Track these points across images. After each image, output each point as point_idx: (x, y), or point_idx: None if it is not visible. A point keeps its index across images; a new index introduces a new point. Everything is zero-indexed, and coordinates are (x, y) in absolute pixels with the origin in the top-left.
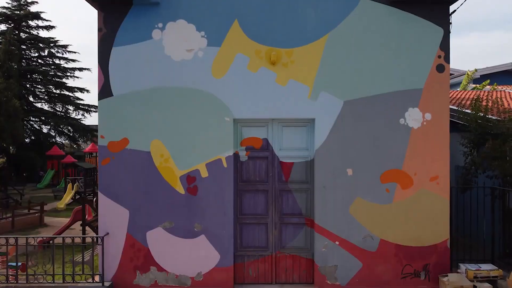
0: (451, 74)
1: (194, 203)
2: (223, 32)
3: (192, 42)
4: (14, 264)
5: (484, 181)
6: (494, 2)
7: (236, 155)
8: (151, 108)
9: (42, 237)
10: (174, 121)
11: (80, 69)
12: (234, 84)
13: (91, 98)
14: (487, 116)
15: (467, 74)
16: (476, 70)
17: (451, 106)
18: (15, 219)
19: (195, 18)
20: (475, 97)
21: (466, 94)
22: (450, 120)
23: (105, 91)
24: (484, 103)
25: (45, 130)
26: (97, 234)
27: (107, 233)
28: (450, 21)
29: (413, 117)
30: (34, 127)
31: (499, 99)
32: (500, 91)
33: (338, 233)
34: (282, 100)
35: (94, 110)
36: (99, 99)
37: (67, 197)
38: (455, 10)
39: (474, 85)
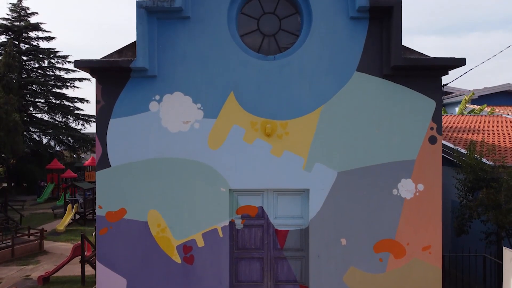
0: (450, 93)
1: (190, 272)
2: (219, 104)
3: (188, 114)
4: None
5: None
6: (494, 2)
7: (232, 223)
8: (148, 178)
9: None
10: (171, 191)
11: (80, 79)
12: (230, 155)
13: (91, 108)
14: (482, 160)
15: (465, 99)
16: (473, 93)
17: (445, 142)
18: (15, 247)
19: (192, 90)
20: (470, 143)
21: (463, 121)
22: (445, 153)
23: (103, 162)
24: (478, 148)
25: (45, 141)
26: (95, 270)
27: None
28: (443, 92)
29: (406, 188)
30: (34, 138)
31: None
32: (498, 115)
33: None
34: (277, 171)
35: (94, 120)
36: (97, 170)
37: (67, 219)
38: (447, 84)
39: (472, 106)
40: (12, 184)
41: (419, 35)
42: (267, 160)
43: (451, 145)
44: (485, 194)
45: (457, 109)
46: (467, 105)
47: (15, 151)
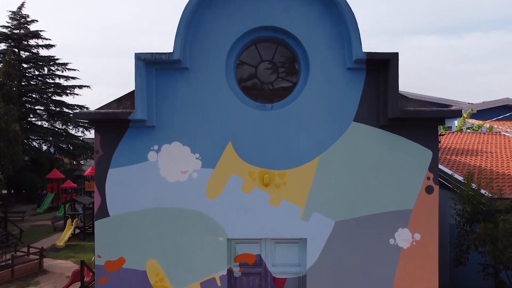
0: (448, 106)
1: None
2: (218, 154)
3: (187, 163)
4: None
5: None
6: (495, 2)
7: (230, 272)
8: (147, 228)
9: None
10: (169, 240)
11: (80, 87)
12: (228, 205)
13: None
14: (480, 190)
15: (463, 117)
16: (472, 109)
17: (442, 168)
18: (15, 267)
19: (190, 140)
20: (468, 174)
21: (461, 140)
22: (442, 178)
23: (102, 211)
24: (476, 179)
25: (44, 148)
26: None
27: None
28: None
29: (403, 237)
30: (34, 145)
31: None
32: (496, 133)
33: None
34: (275, 221)
35: (94, 127)
36: (96, 219)
37: (66, 234)
38: (443, 134)
39: (471, 121)
40: (12, 191)
41: (419, 35)
42: (265, 210)
43: (449, 172)
44: (482, 229)
45: (455, 122)
46: (467, 120)
47: (15, 161)
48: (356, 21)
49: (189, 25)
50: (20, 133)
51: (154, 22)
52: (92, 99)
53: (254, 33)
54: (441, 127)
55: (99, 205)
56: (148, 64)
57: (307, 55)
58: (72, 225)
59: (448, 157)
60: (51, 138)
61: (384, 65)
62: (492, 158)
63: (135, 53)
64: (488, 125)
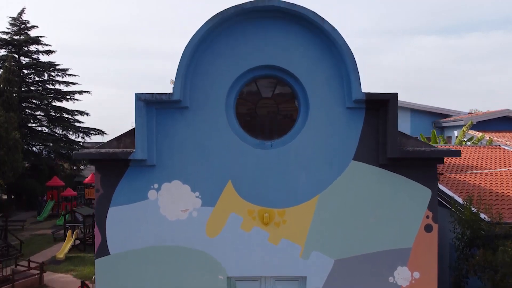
0: (448, 116)
1: None
2: (217, 192)
3: (187, 202)
4: None
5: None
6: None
7: None
8: (147, 266)
9: None
10: (170, 279)
11: (80, 92)
12: (228, 243)
13: (91, 120)
14: (479, 214)
15: (463, 130)
16: (471, 122)
17: (442, 187)
18: (15, 283)
19: (190, 179)
20: (467, 197)
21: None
22: (441, 197)
23: (102, 250)
24: (476, 201)
25: (44, 153)
26: None
27: None
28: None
29: (402, 276)
30: (34, 151)
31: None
32: (496, 146)
33: None
34: (275, 259)
35: (94, 133)
36: (96, 257)
37: (67, 246)
38: (442, 173)
39: (471, 132)
40: (12, 197)
41: (419, 35)
42: (264, 248)
43: (449, 192)
44: (481, 256)
45: (455, 132)
46: (467, 131)
47: (15, 169)
48: (355, 62)
49: (189, 65)
50: (20, 141)
51: (154, 22)
52: (92, 99)
53: (254, 71)
54: (441, 139)
55: (99, 243)
56: (149, 104)
57: (306, 93)
58: (72, 236)
59: (448, 175)
60: (51, 144)
61: (383, 105)
62: (492, 176)
63: (135, 94)
64: (488, 137)
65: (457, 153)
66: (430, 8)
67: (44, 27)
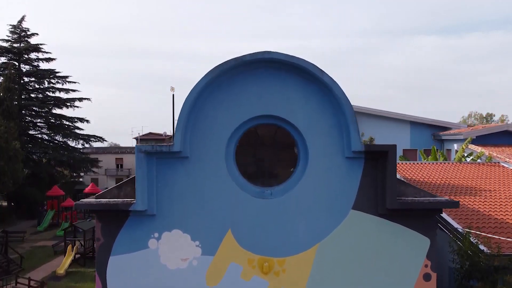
0: (448, 129)
1: None
2: (217, 241)
3: (187, 251)
4: None
5: None
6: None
7: None
8: None
9: None
10: None
11: (80, 99)
12: None
13: (91, 128)
14: (478, 245)
15: (463, 147)
16: (471, 138)
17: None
18: None
19: (190, 228)
20: (466, 227)
21: (459, 173)
22: (440, 222)
23: None
24: (474, 234)
25: (44, 160)
26: None
27: None
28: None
29: None
30: (33, 158)
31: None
32: (495, 163)
33: None
34: None
35: (94, 140)
36: None
37: (67, 261)
38: (440, 222)
39: (471, 147)
40: (12, 204)
41: (419, 35)
42: None
43: (449, 219)
44: None
45: (455, 145)
46: (467, 146)
47: (16, 179)
48: (354, 114)
49: (189, 116)
50: (20, 151)
51: (154, 22)
52: (93, 99)
53: (254, 121)
54: (441, 154)
55: None
56: (149, 155)
57: (306, 142)
58: (72, 251)
59: (447, 196)
60: (51, 152)
61: (382, 156)
62: (491, 200)
63: (136, 146)
64: (487, 153)
65: (455, 204)
66: (430, 8)
67: (45, 27)
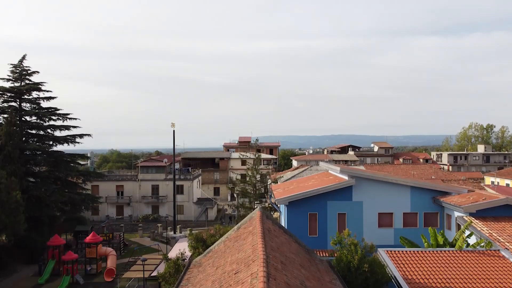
0: (447, 193)
1: None
2: None
3: None
4: None
5: None
6: (495, 2)
7: None
8: None
9: None
10: None
11: (81, 136)
12: None
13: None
14: None
15: (462, 236)
16: (471, 221)
17: None
18: None
19: None
20: None
21: (457, 264)
22: None
23: None
24: None
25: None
26: None
27: None
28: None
29: None
30: (33, 201)
31: None
32: (496, 251)
33: None
34: None
35: (94, 177)
36: None
37: None
38: None
39: (472, 223)
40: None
41: (420, 35)
42: None
43: None
44: None
45: (455, 213)
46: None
47: (16, 231)
48: None
49: None
50: (21, 202)
51: (154, 22)
52: (92, 99)
53: None
54: (441, 235)
55: None
56: None
57: None
58: None
59: None
60: (52, 193)
61: None
62: None
63: None
64: (487, 233)
65: None
66: (430, 8)
67: (45, 27)
